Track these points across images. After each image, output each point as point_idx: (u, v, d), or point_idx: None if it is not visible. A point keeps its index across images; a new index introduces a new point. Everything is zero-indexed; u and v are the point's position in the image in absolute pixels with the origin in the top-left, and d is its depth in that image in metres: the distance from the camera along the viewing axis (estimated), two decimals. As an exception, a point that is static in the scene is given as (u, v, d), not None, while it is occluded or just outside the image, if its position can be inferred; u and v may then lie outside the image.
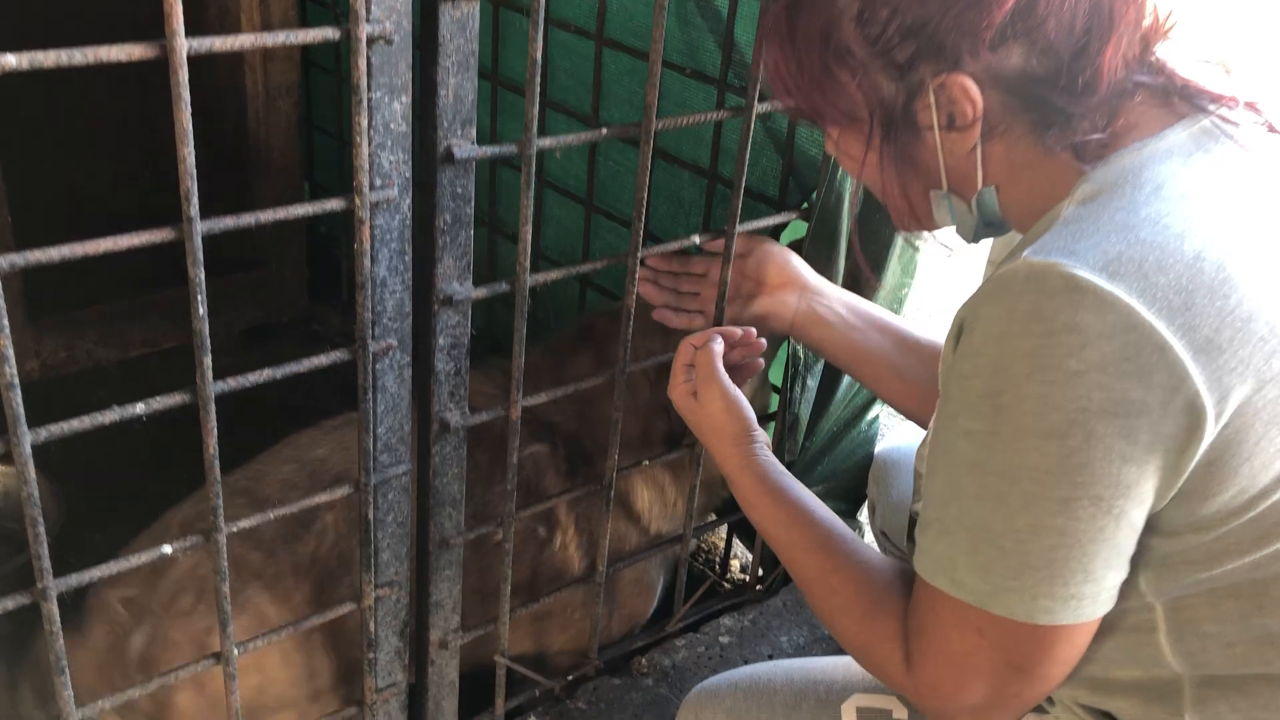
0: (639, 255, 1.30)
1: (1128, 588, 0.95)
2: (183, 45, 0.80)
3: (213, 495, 1.02)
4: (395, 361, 1.12)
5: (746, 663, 1.76)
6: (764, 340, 1.39)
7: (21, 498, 0.89)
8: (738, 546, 2.16)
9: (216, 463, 1.00)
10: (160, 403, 0.94)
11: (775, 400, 1.81)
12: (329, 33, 0.91)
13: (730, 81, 1.68)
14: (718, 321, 1.44)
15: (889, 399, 1.46)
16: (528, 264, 1.17)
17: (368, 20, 0.92)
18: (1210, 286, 0.85)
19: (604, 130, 1.22)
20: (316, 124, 2.76)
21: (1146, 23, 0.95)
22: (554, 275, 1.26)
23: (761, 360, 1.41)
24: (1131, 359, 0.83)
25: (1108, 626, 0.97)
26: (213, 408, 0.97)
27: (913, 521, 1.09)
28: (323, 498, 1.13)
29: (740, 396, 1.28)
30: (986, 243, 1.98)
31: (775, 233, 1.66)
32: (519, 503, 1.46)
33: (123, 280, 2.44)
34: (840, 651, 1.22)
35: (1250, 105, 0.97)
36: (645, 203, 1.27)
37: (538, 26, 1.03)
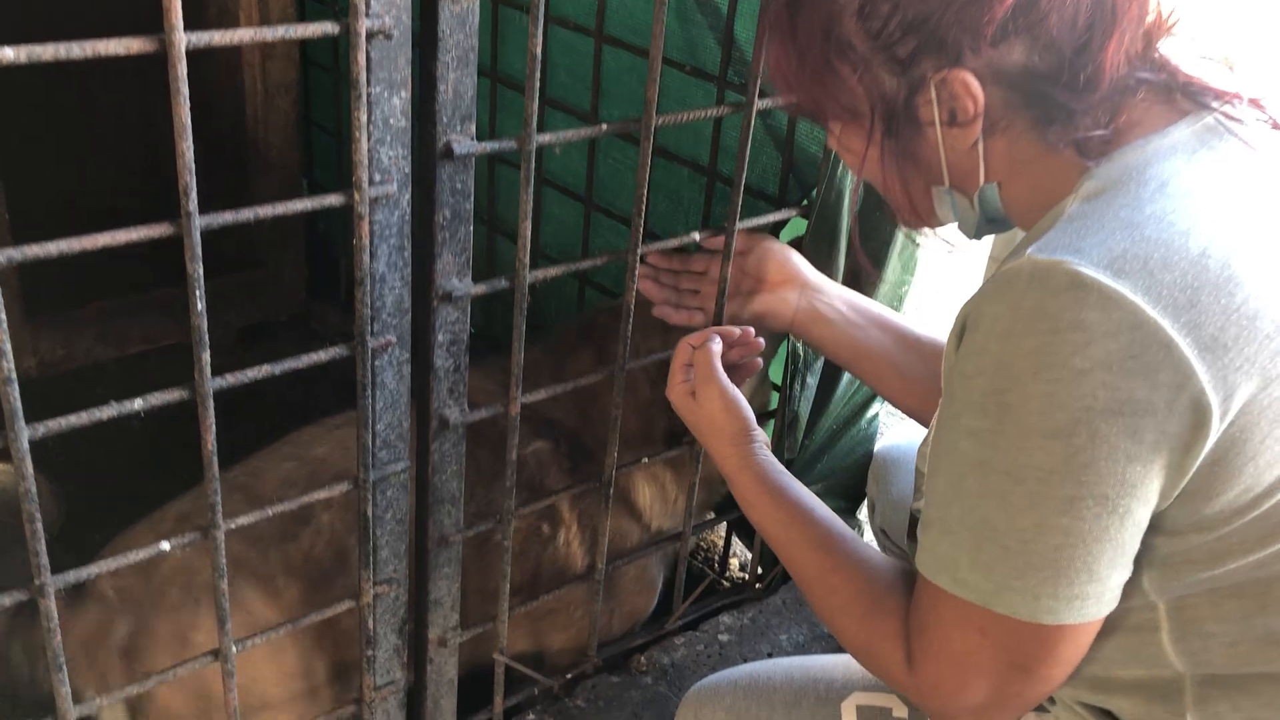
0: (639, 252, 1.29)
1: (1130, 587, 0.94)
2: (181, 40, 0.80)
3: (211, 492, 1.02)
4: (394, 358, 1.11)
5: (746, 661, 1.76)
6: (762, 340, 1.39)
7: (19, 493, 0.89)
8: (737, 545, 2.15)
9: (215, 459, 1.00)
10: (159, 398, 0.93)
11: (775, 398, 1.80)
12: (328, 27, 0.91)
13: (730, 79, 1.68)
14: (717, 319, 1.44)
15: (890, 397, 1.46)
16: (527, 260, 1.17)
17: (367, 15, 0.92)
18: (1215, 284, 0.85)
19: (604, 126, 1.22)
20: (315, 122, 2.76)
21: (1149, 19, 0.94)
22: (553, 272, 1.26)
23: (760, 360, 1.41)
24: (1137, 357, 0.83)
25: (1110, 625, 0.97)
26: (211, 404, 0.97)
27: (914, 520, 1.08)
28: (321, 494, 1.13)
29: (739, 396, 1.28)
30: (988, 239, 1.98)
31: (775, 230, 1.65)
32: (523, 500, 1.46)
33: (121, 278, 2.44)
34: (840, 650, 1.21)
35: (1254, 102, 0.97)
36: (645, 199, 1.26)
37: (538, 22, 1.03)
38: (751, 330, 1.38)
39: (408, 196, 1.04)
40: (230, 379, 0.96)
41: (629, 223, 1.28)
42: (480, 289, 1.16)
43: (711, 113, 1.35)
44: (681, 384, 1.32)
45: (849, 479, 1.91)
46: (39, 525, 0.91)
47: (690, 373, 1.32)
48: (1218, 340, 0.84)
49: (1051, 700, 1.10)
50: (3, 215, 2.19)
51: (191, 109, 0.83)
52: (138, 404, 0.92)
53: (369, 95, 0.96)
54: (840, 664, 1.27)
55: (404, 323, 1.10)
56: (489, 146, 1.09)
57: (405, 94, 0.99)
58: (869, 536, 1.80)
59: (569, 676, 1.65)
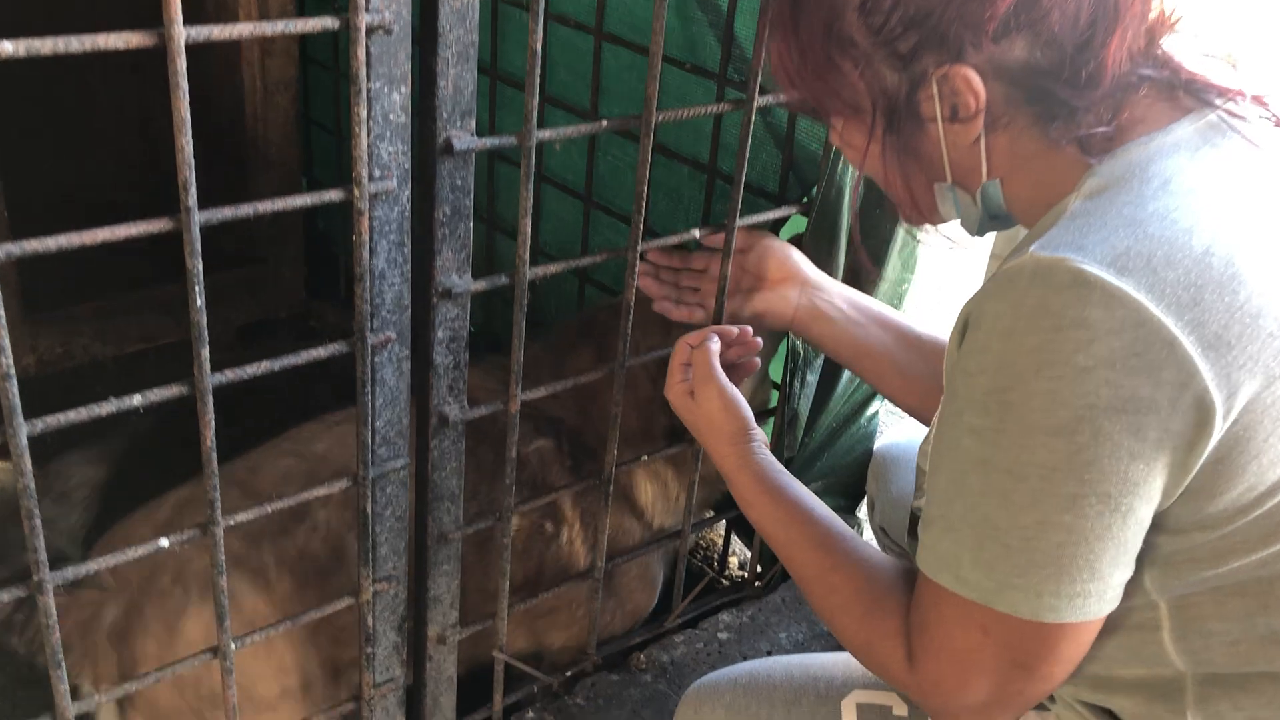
0: (639, 249, 1.29)
1: (1132, 585, 0.94)
2: (180, 33, 0.80)
3: (210, 489, 1.02)
4: (394, 354, 1.11)
5: (745, 659, 1.76)
6: (760, 340, 1.39)
7: (18, 490, 0.88)
8: (736, 543, 2.15)
9: (214, 456, 0.99)
10: (158, 394, 0.93)
11: (775, 396, 1.80)
12: (328, 22, 0.90)
13: (730, 76, 1.68)
14: (717, 317, 1.44)
15: (890, 395, 1.46)
16: (527, 256, 1.17)
17: (367, 10, 0.91)
18: (1219, 282, 0.85)
19: (604, 122, 1.21)
20: (314, 120, 2.76)
21: (1152, 16, 0.94)
22: (554, 268, 1.25)
23: (758, 360, 1.41)
24: (1140, 355, 0.83)
25: (1111, 624, 0.96)
26: (210, 399, 0.96)
27: (914, 518, 1.08)
28: (320, 491, 1.13)
29: (738, 395, 1.28)
30: (990, 236, 1.98)
31: (775, 227, 1.65)
32: (524, 498, 1.46)
33: (120, 276, 2.44)
34: (840, 648, 1.21)
35: (1257, 99, 0.97)
36: (645, 196, 1.26)
37: (538, 17, 1.03)
38: (749, 330, 1.38)
39: (407, 192, 1.04)
40: (230, 374, 0.96)
41: (629, 221, 1.28)
42: (480, 285, 1.16)
43: (712, 109, 1.35)
44: (680, 383, 1.32)
45: (849, 477, 1.90)
46: (37, 521, 0.91)
47: (688, 372, 1.31)
48: (1221, 338, 0.84)
49: (1052, 699, 1.10)
50: (1, 212, 2.19)
51: (191, 106, 0.83)
52: (137, 400, 0.91)
53: (369, 90, 0.96)
54: (840, 662, 1.27)
55: (404, 319, 1.10)
56: (489, 142, 1.09)
57: (405, 89, 0.99)
58: (868, 535, 1.80)
59: (568, 674, 1.65)
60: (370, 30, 0.93)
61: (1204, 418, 0.85)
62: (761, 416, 1.71)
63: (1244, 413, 0.86)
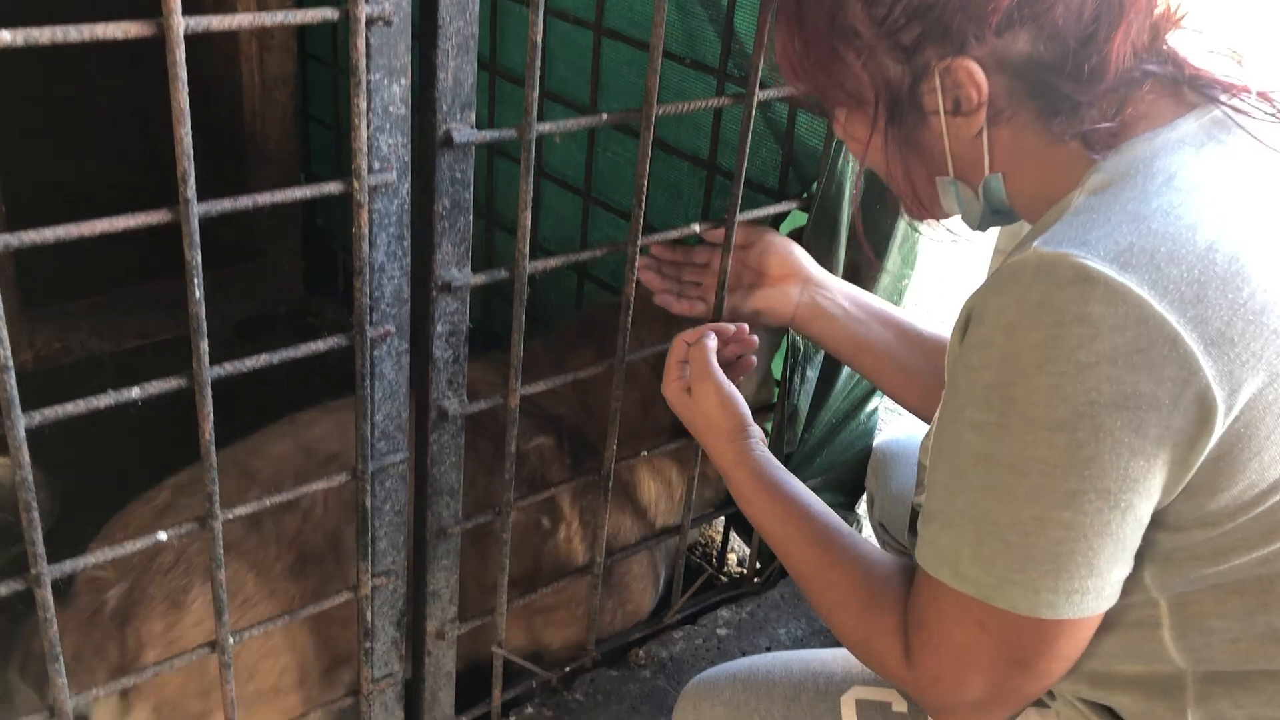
0: (638, 244, 1.29)
1: (1132, 583, 0.94)
2: (180, 23, 0.80)
3: (209, 482, 1.01)
4: (393, 348, 1.11)
5: (744, 655, 1.76)
6: (756, 337, 1.38)
7: (16, 482, 0.88)
8: (735, 539, 2.15)
9: (213, 449, 0.99)
10: (156, 387, 0.93)
11: (777, 393, 1.80)
12: (328, 13, 0.90)
13: (730, 71, 1.67)
14: (717, 313, 1.43)
15: (891, 392, 1.45)
16: (526, 250, 1.16)
17: (367, 1, 0.91)
18: (1222, 279, 0.85)
19: (603, 116, 1.21)
20: (313, 116, 2.75)
21: (1157, 11, 0.94)
22: (553, 263, 1.25)
23: (754, 358, 1.40)
24: (1142, 351, 0.83)
25: (1111, 621, 0.96)
26: (209, 392, 0.96)
27: (915, 514, 1.08)
28: (320, 485, 1.12)
29: (735, 392, 1.28)
30: (993, 232, 1.98)
31: (775, 223, 1.65)
32: (523, 494, 1.46)
33: (117, 272, 2.44)
34: (839, 644, 1.21)
35: (1262, 95, 0.96)
36: (645, 190, 1.26)
37: (538, 9, 1.02)
38: (746, 327, 1.37)
39: (407, 185, 1.03)
40: (229, 367, 0.96)
41: (628, 216, 1.28)
42: (480, 279, 1.16)
43: (712, 103, 1.35)
44: (677, 380, 1.32)
45: (848, 473, 1.90)
46: (35, 514, 0.91)
47: (686, 369, 1.31)
48: (1224, 335, 0.84)
49: (1052, 695, 1.10)
50: (-1, 207, 2.19)
51: (189, 100, 0.82)
52: (135, 393, 0.91)
53: (368, 83, 0.95)
54: (839, 658, 1.26)
55: (403, 313, 1.10)
56: (489, 135, 1.09)
57: (405, 81, 0.99)
58: (868, 531, 1.79)
59: (567, 670, 1.64)
60: (370, 22, 0.92)
61: (1205, 415, 0.84)
62: (763, 413, 1.70)
63: (1245, 410, 0.86)
